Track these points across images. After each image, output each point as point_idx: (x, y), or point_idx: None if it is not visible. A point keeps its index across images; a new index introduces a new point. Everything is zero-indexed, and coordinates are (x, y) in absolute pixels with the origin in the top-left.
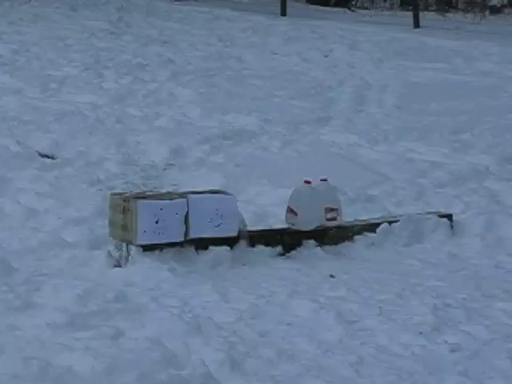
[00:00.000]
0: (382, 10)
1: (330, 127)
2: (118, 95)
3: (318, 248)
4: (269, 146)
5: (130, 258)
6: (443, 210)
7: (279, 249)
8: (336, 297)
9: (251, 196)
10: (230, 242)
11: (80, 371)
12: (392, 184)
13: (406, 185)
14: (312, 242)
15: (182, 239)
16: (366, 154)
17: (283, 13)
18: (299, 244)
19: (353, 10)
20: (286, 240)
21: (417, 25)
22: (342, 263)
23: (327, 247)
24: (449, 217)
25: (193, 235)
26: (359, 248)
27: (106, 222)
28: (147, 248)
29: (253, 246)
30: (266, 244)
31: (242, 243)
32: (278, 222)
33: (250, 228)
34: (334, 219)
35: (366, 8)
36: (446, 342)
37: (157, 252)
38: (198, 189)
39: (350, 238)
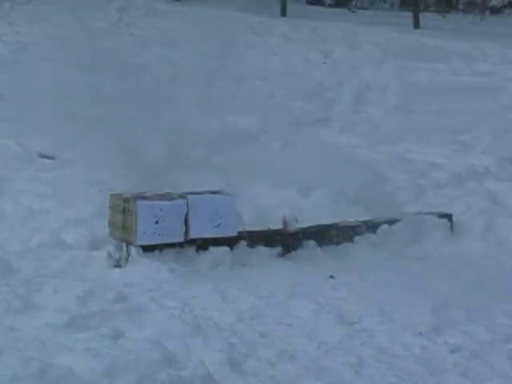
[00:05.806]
0: (382, 11)
1: (330, 128)
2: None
3: (318, 248)
4: (269, 146)
5: (130, 258)
6: (443, 211)
7: (279, 249)
8: (336, 297)
9: (251, 197)
10: (230, 241)
11: (80, 372)
12: (392, 184)
13: (406, 185)
14: (312, 242)
15: (182, 240)
16: (366, 155)
17: (283, 13)
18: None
19: (353, 11)
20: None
21: (417, 25)
22: (342, 264)
23: (327, 247)
24: (449, 217)
25: (193, 235)
26: (359, 248)
27: (106, 222)
28: (147, 248)
29: (253, 246)
30: (266, 245)
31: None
32: (278, 223)
33: (249, 229)
34: None
35: (366, 8)
36: (446, 342)
37: (157, 252)
38: (198, 189)
39: (350, 239)
